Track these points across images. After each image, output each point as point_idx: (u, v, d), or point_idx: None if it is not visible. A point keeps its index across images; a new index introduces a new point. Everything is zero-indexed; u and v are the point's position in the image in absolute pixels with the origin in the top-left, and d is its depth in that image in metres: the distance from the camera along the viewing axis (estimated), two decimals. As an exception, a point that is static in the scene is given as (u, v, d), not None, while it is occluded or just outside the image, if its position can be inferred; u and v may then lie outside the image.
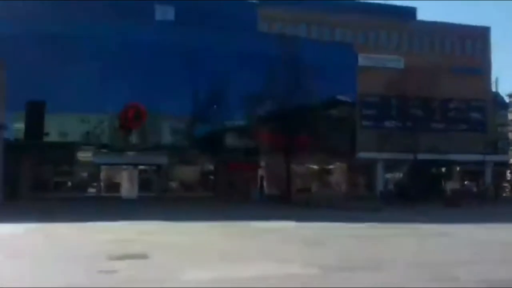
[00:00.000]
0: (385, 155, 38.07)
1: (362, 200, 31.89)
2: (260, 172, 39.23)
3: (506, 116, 63.51)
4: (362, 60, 40.00)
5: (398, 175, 41.99)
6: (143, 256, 9.79)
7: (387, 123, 40.74)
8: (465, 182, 43.99)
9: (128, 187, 35.40)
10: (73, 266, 8.80)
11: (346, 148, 38.34)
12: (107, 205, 26.70)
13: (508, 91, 75.17)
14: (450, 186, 37.02)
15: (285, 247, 11.69)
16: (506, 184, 51.83)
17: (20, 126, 32.56)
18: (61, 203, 27.91)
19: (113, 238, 12.80)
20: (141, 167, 36.81)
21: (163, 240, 12.73)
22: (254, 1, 39.80)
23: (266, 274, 8.22)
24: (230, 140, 37.86)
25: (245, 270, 8.67)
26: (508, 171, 54.48)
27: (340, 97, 40.08)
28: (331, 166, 41.60)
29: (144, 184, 36.02)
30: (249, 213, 22.94)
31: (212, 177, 38.98)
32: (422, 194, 34.84)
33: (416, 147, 36.82)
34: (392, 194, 36.26)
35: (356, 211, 24.06)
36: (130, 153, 35.72)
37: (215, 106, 36.39)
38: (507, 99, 66.95)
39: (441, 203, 30.84)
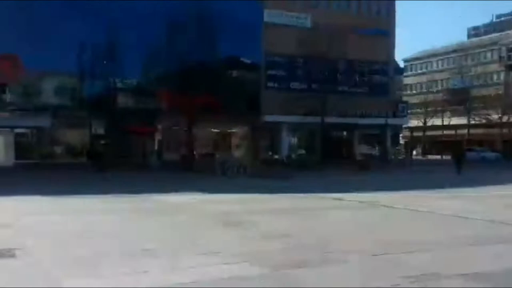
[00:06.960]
0: (291, 118, 36.44)
1: (268, 166, 30.02)
2: (158, 136, 36.11)
3: (401, 81, 65.13)
4: (269, 16, 37.50)
5: (304, 139, 40.64)
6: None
7: (294, 85, 38.98)
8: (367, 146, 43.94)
9: (3, 153, 30.66)
10: None
11: (250, 110, 36.33)
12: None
13: (402, 57, 78.30)
14: (360, 150, 36.49)
15: (201, 231, 9.11)
16: (398, 148, 53.64)
17: None
18: None
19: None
20: (19, 130, 32.12)
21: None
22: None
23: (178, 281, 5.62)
24: (125, 100, 34.35)
25: (146, 272, 5.97)
26: (401, 134, 56.18)
27: (244, 58, 37.93)
28: (234, 130, 39.37)
29: (23, 150, 31.42)
30: (148, 183, 20.07)
31: (103, 141, 35.11)
32: (328, 159, 33.97)
33: (323, 110, 35.68)
34: (298, 158, 34.76)
35: (267, 179, 21.95)
36: (6, 114, 30.80)
37: (105, 61, 32.64)
38: (401, 64, 68.79)
39: (349, 167, 29.92)
